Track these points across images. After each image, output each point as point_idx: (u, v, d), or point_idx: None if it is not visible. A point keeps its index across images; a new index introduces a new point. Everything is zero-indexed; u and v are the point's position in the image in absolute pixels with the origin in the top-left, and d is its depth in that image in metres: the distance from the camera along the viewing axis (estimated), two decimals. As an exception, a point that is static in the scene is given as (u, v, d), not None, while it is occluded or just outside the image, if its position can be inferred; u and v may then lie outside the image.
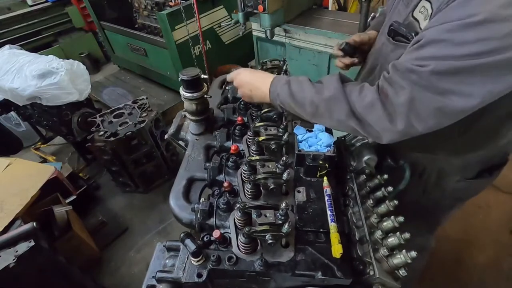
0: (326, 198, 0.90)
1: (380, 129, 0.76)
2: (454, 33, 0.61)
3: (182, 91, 1.20)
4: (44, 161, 3.27)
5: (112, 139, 2.37)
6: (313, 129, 1.06)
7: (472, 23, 0.58)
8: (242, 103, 1.30)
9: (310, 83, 0.88)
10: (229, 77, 1.15)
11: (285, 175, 0.86)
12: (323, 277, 0.76)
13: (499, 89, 0.63)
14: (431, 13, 0.71)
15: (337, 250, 0.76)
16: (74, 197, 2.31)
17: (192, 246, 0.77)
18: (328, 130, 1.04)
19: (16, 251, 1.43)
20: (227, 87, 1.44)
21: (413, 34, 0.79)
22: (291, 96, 0.90)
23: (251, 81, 1.04)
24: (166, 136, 1.40)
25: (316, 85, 0.87)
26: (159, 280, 0.81)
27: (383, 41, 0.94)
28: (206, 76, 1.24)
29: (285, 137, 0.98)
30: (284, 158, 0.89)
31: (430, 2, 0.73)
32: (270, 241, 0.76)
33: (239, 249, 0.82)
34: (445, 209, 1.18)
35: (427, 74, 0.65)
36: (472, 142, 0.92)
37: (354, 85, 0.82)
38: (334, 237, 0.79)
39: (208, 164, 1.07)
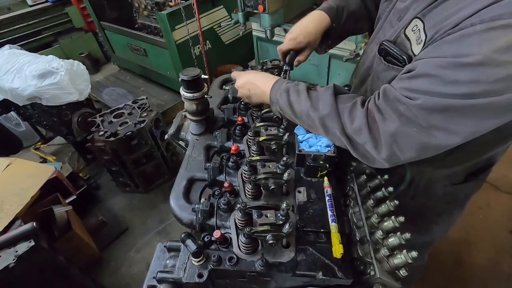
0: (327, 198, 0.90)
1: (368, 153, 0.79)
2: (446, 70, 0.61)
3: (182, 91, 1.20)
4: (44, 161, 3.27)
5: (112, 139, 2.37)
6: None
7: (466, 63, 0.58)
8: (242, 103, 1.30)
9: (307, 95, 0.87)
10: (232, 74, 1.16)
11: (285, 175, 0.86)
12: (324, 278, 0.76)
13: (482, 129, 0.65)
14: (425, 40, 0.70)
15: (337, 250, 0.77)
16: (74, 197, 2.31)
17: (192, 247, 0.77)
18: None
19: (16, 251, 1.43)
20: (227, 87, 1.44)
21: (405, 57, 0.78)
22: (290, 105, 0.90)
23: (252, 81, 1.03)
24: (166, 136, 1.40)
25: (313, 96, 0.87)
26: (160, 281, 0.81)
27: (374, 52, 0.93)
28: (206, 76, 1.24)
29: (285, 137, 0.98)
30: (284, 158, 0.89)
31: (423, 23, 0.72)
32: (271, 241, 0.76)
33: (239, 249, 0.82)
34: (437, 213, 1.18)
35: (415, 107, 0.66)
36: (459, 160, 0.94)
37: (347, 100, 0.82)
38: (335, 237, 0.79)
39: (208, 164, 1.06)
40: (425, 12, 0.73)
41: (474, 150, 0.89)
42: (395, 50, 0.81)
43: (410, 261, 0.71)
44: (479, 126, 0.64)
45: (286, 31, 2.65)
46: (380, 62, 0.88)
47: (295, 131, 1.05)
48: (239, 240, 0.82)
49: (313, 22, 1.13)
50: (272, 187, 0.88)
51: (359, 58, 2.30)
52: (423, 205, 1.12)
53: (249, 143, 1.10)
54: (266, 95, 0.98)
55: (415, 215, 1.09)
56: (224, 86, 1.49)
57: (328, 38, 1.20)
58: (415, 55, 0.75)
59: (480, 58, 0.56)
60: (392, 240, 0.75)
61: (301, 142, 1.01)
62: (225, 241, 0.85)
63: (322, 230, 0.85)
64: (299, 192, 0.94)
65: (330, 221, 0.84)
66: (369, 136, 0.75)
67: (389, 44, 0.83)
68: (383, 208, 0.82)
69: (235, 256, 0.80)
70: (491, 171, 1.07)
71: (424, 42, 0.71)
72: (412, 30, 0.77)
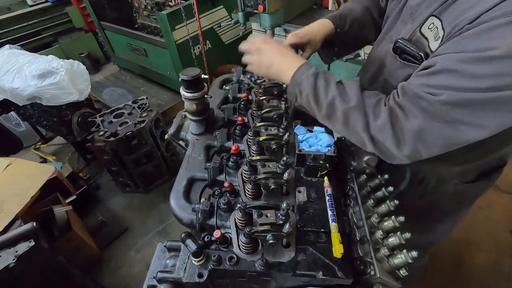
0: (327, 198, 0.90)
1: (387, 150, 0.77)
2: (469, 64, 0.61)
3: (182, 91, 1.20)
4: (44, 161, 3.27)
5: (112, 139, 2.37)
6: (314, 130, 1.06)
7: (489, 57, 0.58)
8: (242, 103, 1.30)
9: (336, 85, 0.83)
10: (245, 44, 1.08)
11: (285, 175, 0.86)
12: (324, 277, 0.77)
13: (510, 121, 0.64)
14: (443, 36, 0.70)
15: (338, 250, 0.77)
16: (74, 197, 2.31)
17: (193, 246, 0.76)
18: (329, 131, 1.04)
19: (16, 251, 1.43)
20: (227, 87, 1.44)
21: (422, 54, 0.78)
22: (314, 90, 0.83)
23: (277, 55, 0.94)
24: (166, 136, 1.40)
25: (340, 88, 0.83)
26: (160, 280, 0.81)
27: (387, 50, 0.92)
28: (206, 76, 1.24)
29: (285, 137, 0.98)
30: (284, 158, 0.89)
31: (440, 21, 0.72)
32: (271, 241, 0.76)
33: (240, 249, 0.82)
34: (445, 212, 1.18)
35: (438, 103, 0.65)
36: (473, 158, 0.94)
37: (372, 96, 0.80)
38: (335, 237, 0.79)
39: (208, 164, 1.06)
40: (441, 10, 0.73)
41: (488, 149, 0.89)
42: (411, 48, 0.81)
43: (410, 261, 0.71)
44: (507, 118, 0.64)
45: (286, 31, 2.65)
46: (395, 60, 0.87)
47: (295, 131, 1.05)
48: (239, 240, 0.82)
49: (315, 24, 1.16)
50: (272, 187, 0.88)
51: (359, 58, 2.31)
52: (431, 203, 1.11)
53: (249, 143, 1.09)
54: (286, 74, 0.90)
55: (422, 214, 1.09)
56: (224, 86, 1.49)
57: (334, 46, 1.20)
58: (432, 52, 0.74)
59: (505, 51, 0.57)
60: (392, 240, 0.75)
61: (301, 142, 1.01)
62: (225, 241, 0.85)
63: (322, 230, 0.85)
64: (299, 192, 0.94)
65: (330, 221, 0.84)
66: (392, 134, 0.73)
67: (405, 42, 0.83)
68: (383, 208, 0.82)
69: (235, 256, 0.80)
70: (502, 171, 1.07)
71: (442, 38, 0.71)
72: (428, 28, 0.76)
